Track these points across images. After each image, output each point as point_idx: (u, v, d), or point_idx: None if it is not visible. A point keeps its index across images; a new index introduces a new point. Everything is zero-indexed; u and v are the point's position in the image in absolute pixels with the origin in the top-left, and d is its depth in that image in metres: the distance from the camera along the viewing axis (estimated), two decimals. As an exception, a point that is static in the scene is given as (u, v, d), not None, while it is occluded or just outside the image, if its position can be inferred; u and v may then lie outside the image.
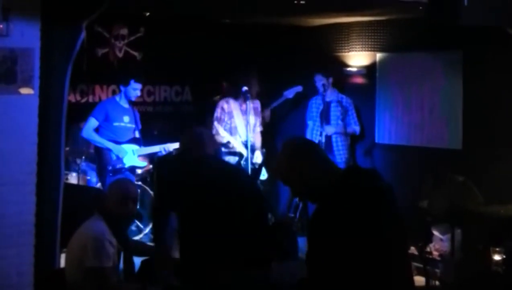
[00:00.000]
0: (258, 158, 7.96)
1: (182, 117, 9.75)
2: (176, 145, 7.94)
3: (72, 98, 8.61)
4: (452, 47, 7.82)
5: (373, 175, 3.30)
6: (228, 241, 4.24)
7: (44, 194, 5.57)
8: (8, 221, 5.41)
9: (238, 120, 7.86)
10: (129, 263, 4.84)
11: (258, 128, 8.18)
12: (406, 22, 8.08)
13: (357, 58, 8.91)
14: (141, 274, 4.89)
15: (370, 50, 8.76)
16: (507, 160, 7.09)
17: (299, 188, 3.29)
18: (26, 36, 5.42)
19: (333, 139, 8.44)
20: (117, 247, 4.59)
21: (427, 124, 8.18)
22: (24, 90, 5.45)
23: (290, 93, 8.96)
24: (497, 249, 5.55)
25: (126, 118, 7.54)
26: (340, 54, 9.07)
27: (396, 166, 8.60)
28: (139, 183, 8.27)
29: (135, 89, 7.48)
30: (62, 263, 5.18)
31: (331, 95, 8.50)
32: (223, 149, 8.04)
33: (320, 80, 8.39)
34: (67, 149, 7.68)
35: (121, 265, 4.81)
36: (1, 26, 5.26)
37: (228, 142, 7.82)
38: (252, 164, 7.89)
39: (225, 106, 7.97)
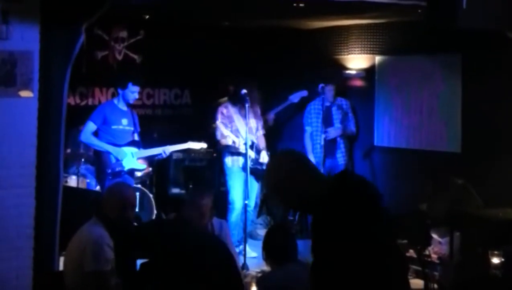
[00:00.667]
0: (264, 158, 7.94)
1: (182, 120, 9.75)
2: (176, 147, 7.95)
3: (71, 101, 8.62)
4: (451, 50, 7.83)
5: (363, 182, 3.30)
6: None
7: (43, 197, 5.57)
8: (7, 223, 5.41)
9: (239, 123, 7.85)
10: (130, 265, 4.82)
11: (261, 132, 8.16)
12: (405, 25, 8.09)
13: (356, 61, 8.91)
14: (140, 276, 4.89)
15: (369, 53, 8.77)
16: (506, 163, 7.10)
17: (290, 200, 3.29)
18: (26, 39, 5.43)
19: (337, 142, 8.47)
20: (115, 250, 4.59)
21: (426, 127, 8.19)
22: (24, 93, 5.45)
23: (295, 98, 8.96)
24: (496, 252, 5.55)
25: (124, 121, 7.53)
26: (339, 57, 9.07)
27: (395, 169, 8.61)
28: (139, 185, 8.28)
29: (133, 92, 7.47)
30: (61, 266, 5.18)
31: (332, 99, 8.53)
32: (226, 152, 8.01)
33: (321, 84, 8.38)
34: (67, 151, 7.68)
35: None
36: (1, 29, 5.27)
37: (234, 142, 7.81)
38: (260, 164, 7.89)
39: (224, 111, 7.96)
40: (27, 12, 5.40)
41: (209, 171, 9.09)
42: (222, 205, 7.88)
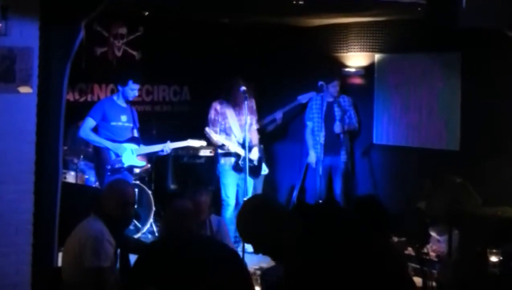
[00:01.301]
0: (254, 154, 7.96)
1: (181, 117, 9.76)
2: (176, 144, 7.94)
3: (70, 97, 8.61)
4: (451, 49, 7.83)
5: (343, 217, 3.28)
6: None
7: (42, 192, 5.57)
8: (6, 219, 5.41)
9: (232, 120, 7.86)
10: (125, 262, 4.83)
11: (254, 126, 8.18)
12: (405, 23, 8.09)
13: (356, 59, 8.91)
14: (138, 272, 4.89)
15: (369, 51, 8.77)
16: (505, 162, 7.11)
17: (260, 246, 3.29)
18: (25, 35, 5.42)
19: (341, 139, 8.48)
20: (115, 247, 4.59)
21: (425, 125, 8.19)
22: (23, 89, 5.45)
23: (304, 98, 8.97)
24: (495, 250, 5.54)
25: (124, 118, 7.53)
26: (338, 54, 9.07)
27: (394, 167, 8.62)
28: (137, 182, 8.28)
29: (133, 90, 7.47)
30: (60, 261, 5.18)
31: (333, 95, 8.53)
32: (219, 151, 8.04)
33: (320, 81, 8.37)
34: (66, 147, 7.68)
35: (117, 264, 4.80)
36: (0, 25, 5.26)
37: (223, 145, 7.84)
38: (250, 161, 7.90)
39: (218, 107, 7.97)
40: (27, 8, 5.40)
41: (207, 168, 9.09)
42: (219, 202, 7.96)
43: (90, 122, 7.39)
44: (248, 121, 7.94)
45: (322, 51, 9.16)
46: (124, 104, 7.55)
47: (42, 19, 5.46)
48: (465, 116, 7.75)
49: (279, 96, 9.06)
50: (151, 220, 8.33)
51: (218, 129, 7.90)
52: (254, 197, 3.59)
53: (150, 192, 8.38)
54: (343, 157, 8.52)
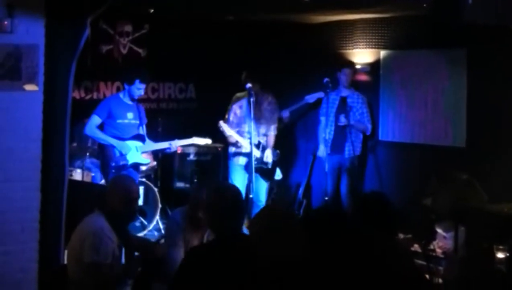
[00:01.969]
0: (268, 157, 7.95)
1: (186, 114, 9.76)
2: (182, 142, 7.93)
3: (76, 95, 8.63)
4: (456, 45, 7.81)
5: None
6: None
7: (48, 190, 5.59)
8: (12, 217, 5.43)
9: (250, 124, 7.75)
10: (130, 259, 4.84)
11: (272, 132, 8.15)
12: (410, 19, 8.08)
13: (361, 56, 8.90)
14: (145, 271, 4.91)
15: (374, 48, 8.75)
16: (511, 158, 7.09)
17: (266, 254, 3.31)
18: (31, 33, 5.43)
19: (344, 134, 8.43)
20: (118, 244, 4.61)
21: (430, 122, 8.18)
22: (29, 87, 5.46)
23: (311, 98, 8.96)
24: (501, 247, 5.53)
25: (130, 115, 7.54)
26: (344, 51, 9.06)
27: (400, 164, 8.60)
28: (143, 179, 8.29)
29: (139, 89, 7.47)
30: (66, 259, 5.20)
31: (347, 91, 8.51)
32: (231, 149, 8.03)
33: (326, 78, 8.36)
34: (72, 145, 7.69)
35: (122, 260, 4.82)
36: (6, 23, 5.28)
37: (237, 141, 7.83)
38: (264, 163, 7.91)
39: (238, 111, 7.95)
40: (33, 6, 5.41)
41: (214, 165, 9.10)
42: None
43: (95, 119, 7.39)
44: (264, 131, 7.96)
45: (328, 48, 9.15)
46: (130, 102, 7.56)
47: (48, 17, 5.47)
48: (471, 112, 7.74)
49: (285, 93, 9.04)
50: (157, 217, 8.34)
51: (235, 130, 7.88)
52: (272, 207, 3.56)
53: (156, 190, 8.39)
54: (347, 153, 8.45)
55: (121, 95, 7.60)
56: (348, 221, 3.47)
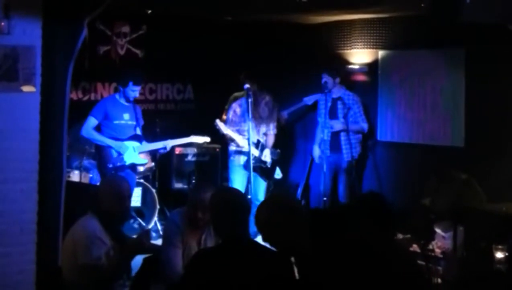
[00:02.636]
0: (267, 156, 7.95)
1: (184, 115, 9.75)
2: (179, 141, 7.93)
3: (74, 96, 8.62)
4: (455, 45, 7.81)
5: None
6: None
7: (46, 191, 5.56)
8: (10, 218, 5.40)
9: (249, 124, 7.73)
10: (125, 258, 4.83)
11: (272, 132, 8.15)
12: (408, 19, 8.08)
13: (359, 56, 8.90)
14: (143, 271, 4.89)
15: (372, 48, 8.75)
16: (509, 158, 7.09)
17: (274, 240, 3.47)
18: (28, 33, 5.41)
19: (341, 137, 8.41)
20: (113, 245, 4.62)
21: (429, 121, 8.18)
22: (26, 88, 5.44)
23: (310, 100, 8.96)
24: (500, 246, 5.52)
25: (126, 116, 7.54)
26: (342, 51, 9.05)
27: (399, 164, 8.60)
28: (141, 180, 8.28)
29: (133, 91, 7.48)
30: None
31: (338, 92, 8.48)
32: (231, 148, 8.02)
33: (323, 78, 8.36)
34: (69, 146, 7.68)
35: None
36: (3, 24, 5.25)
37: (234, 140, 7.82)
38: (262, 162, 7.91)
39: (238, 110, 7.95)
40: (29, 7, 5.38)
41: (212, 166, 9.09)
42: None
43: (92, 121, 7.40)
44: (264, 130, 7.96)
45: (326, 49, 9.14)
46: (126, 103, 7.55)
47: (45, 18, 5.45)
48: (469, 112, 7.74)
49: (282, 94, 9.04)
50: (155, 218, 8.33)
51: (234, 129, 7.88)
52: (279, 192, 3.66)
53: (154, 191, 8.38)
54: (346, 155, 8.40)
55: (117, 96, 7.61)
56: (348, 219, 3.51)
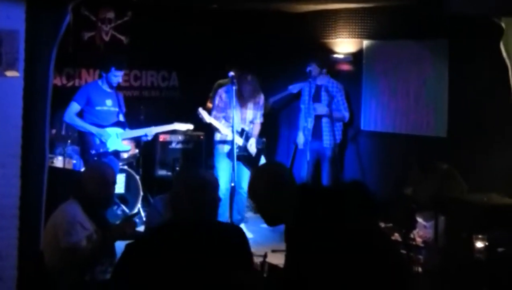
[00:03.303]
0: (252, 145, 7.95)
1: (169, 102, 9.74)
2: (162, 128, 7.93)
3: (58, 82, 8.59)
4: (439, 36, 7.84)
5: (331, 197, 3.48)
6: None
7: (28, 177, 5.54)
8: (-8, 203, 5.38)
9: (235, 111, 7.72)
10: (108, 243, 4.83)
11: (258, 120, 8.14)
12: (394, 9, 8.09)
13: (344, 45, 8.91)
14: (125, 258, 4.89)
15: (357, 37, 8.76)
16: (491, 148, 7.14)
17: (266, 211, 3.52)
18: (11, 18, 5.36)
19: (322, 124, 8.44)
20: (95, 229, 4.63)
21: (412, 112, 8.21)
22: (10, 73, 5.40)
23: (294, 88, 8.96)
24: (480, 236, 5.59)
25: (108, 102, 7.51)
26: (327, 41, 9.06)
27: (382, 153, 8.64)
28: (125, 167, 8.27)
29: (116, 76, 7.45)
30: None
31: (322, 80, 8.50)
32: (216, 137, 8.01)
33: (309, 67, 8.37)
34: (53, 132, 7.65)
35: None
36: (-14, 8, 5.22)
37: (218, 129, 7.82)
38: (247, 151, 7.92)
39: (223, 95, 7.92)
40: (13, -9, 5.35)
41: (196, 153, 9.09)
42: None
43: (74, 106, 7.37)
44: (250, 117, 7.96)
45: (311, 37, 9.15)
46: (108, 89, 7.53)
47: (29, 2, 5.41)
48: (452, 103, 7.78)
49: (267, 82, 9.03)
50: (139, 205, 8.33)
51: (221, 116, 7.87)
52: (274, 162, 3.71)
53: (138, 177, 8.37)
54: (326, 142, 8.44)
55: (99, 82, 7.58)
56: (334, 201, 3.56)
